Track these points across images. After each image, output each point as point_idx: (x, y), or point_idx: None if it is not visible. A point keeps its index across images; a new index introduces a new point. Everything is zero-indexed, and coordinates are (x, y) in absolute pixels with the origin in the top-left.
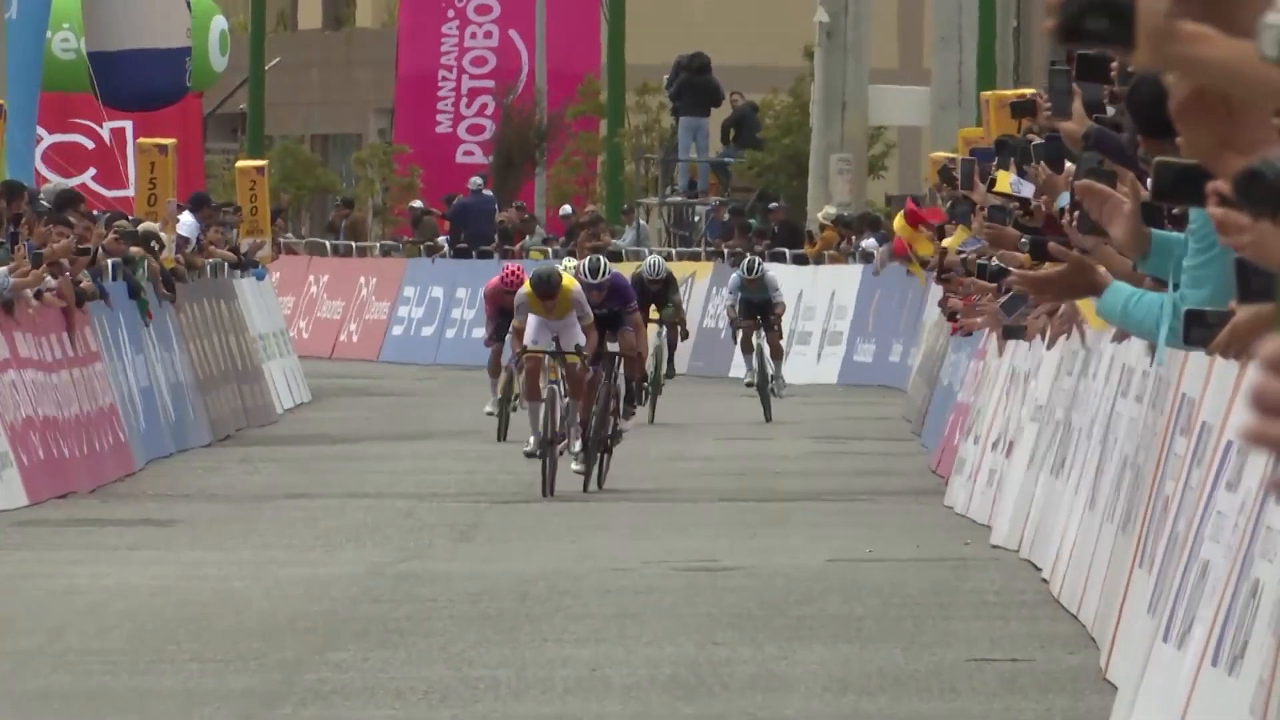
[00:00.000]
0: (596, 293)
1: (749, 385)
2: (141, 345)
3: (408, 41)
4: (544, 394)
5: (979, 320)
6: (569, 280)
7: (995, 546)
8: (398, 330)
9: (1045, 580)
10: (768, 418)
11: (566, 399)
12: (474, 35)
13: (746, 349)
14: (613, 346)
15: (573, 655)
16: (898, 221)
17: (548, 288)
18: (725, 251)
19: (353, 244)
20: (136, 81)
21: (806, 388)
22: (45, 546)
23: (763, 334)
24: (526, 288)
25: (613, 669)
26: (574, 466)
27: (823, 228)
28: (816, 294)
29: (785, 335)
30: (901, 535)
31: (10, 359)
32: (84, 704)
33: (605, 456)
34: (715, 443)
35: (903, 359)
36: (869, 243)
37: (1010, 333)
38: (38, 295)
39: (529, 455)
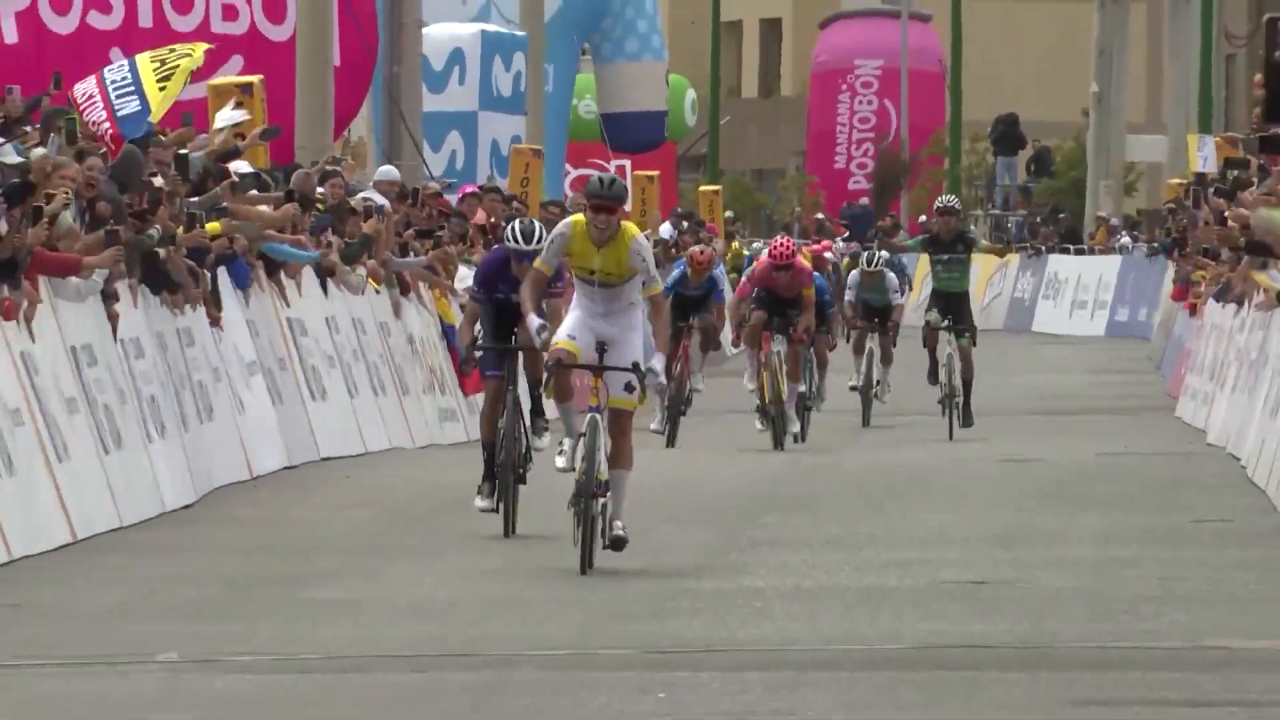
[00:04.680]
0: (518, 264)
1: (853, 389)
2: None
3: (816, 108)
4: (584, 425)
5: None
6: (633, 226)
7: (1210, 445)
8: None
9: (1243, 466)
10: (865, 422)
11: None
12: (860, 104)
13: (859, 351)
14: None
15: None
16: None
17: (609, 193)
18: (1029, 246)
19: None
20: (632, 133)
21: (1084, 338)
22: None
23: (876, 339)
24: (575, 218)
25: None
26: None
27: (1097, 227)
28: (1093, 272)
29: (898, 338)
30: (1150, 436)
31: None
32: None
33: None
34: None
35: (1148, 318)
36: (1125, 240)
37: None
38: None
39: (562, 470)
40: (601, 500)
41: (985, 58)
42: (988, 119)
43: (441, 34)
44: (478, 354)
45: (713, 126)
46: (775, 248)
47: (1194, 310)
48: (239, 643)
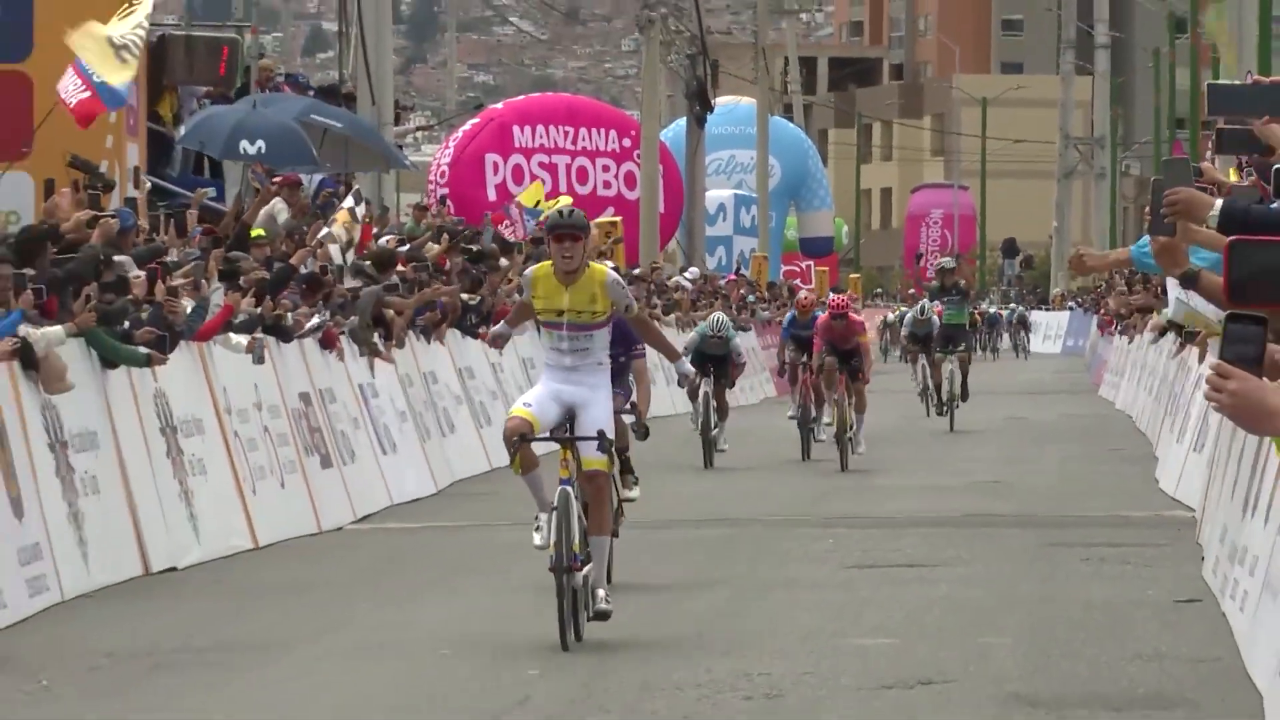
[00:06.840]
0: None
1: (921, 393)
2: None
3: (909, 235)
4: (554, 498)
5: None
6: (603, 268)
7: (1117, 409)
8: None
9: (1136, 423)
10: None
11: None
12: (932, 232)
13: (915, 362)
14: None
15: None
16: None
17: (570, 221)
18: (1021, 305)
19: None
20: (815, 248)
21: (1051, 354)
22: None
23: (924, 357)
24: (538, 265)
25: None
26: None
27: (1056, 296)
28: (1055, 320)
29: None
30: (1085, 406)
31: None
32: None
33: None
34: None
35: (1083, 344)
36: (1072, 303)
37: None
38: None
39: (540, 548)
40: (580, 573)
41: (998, 208)
42: (998, 239)
43: (713, 195)
44: None
45: (856, 244)
46: (832, 302)
47: (1106, 331)
48: None
